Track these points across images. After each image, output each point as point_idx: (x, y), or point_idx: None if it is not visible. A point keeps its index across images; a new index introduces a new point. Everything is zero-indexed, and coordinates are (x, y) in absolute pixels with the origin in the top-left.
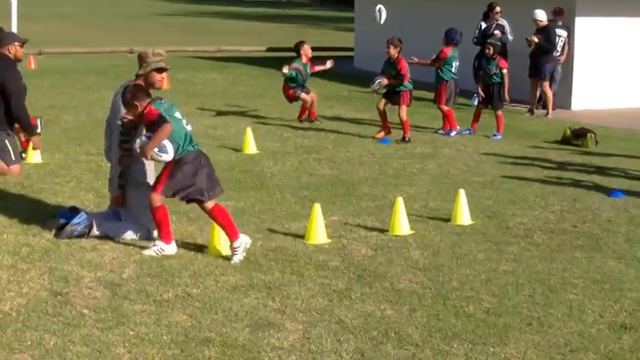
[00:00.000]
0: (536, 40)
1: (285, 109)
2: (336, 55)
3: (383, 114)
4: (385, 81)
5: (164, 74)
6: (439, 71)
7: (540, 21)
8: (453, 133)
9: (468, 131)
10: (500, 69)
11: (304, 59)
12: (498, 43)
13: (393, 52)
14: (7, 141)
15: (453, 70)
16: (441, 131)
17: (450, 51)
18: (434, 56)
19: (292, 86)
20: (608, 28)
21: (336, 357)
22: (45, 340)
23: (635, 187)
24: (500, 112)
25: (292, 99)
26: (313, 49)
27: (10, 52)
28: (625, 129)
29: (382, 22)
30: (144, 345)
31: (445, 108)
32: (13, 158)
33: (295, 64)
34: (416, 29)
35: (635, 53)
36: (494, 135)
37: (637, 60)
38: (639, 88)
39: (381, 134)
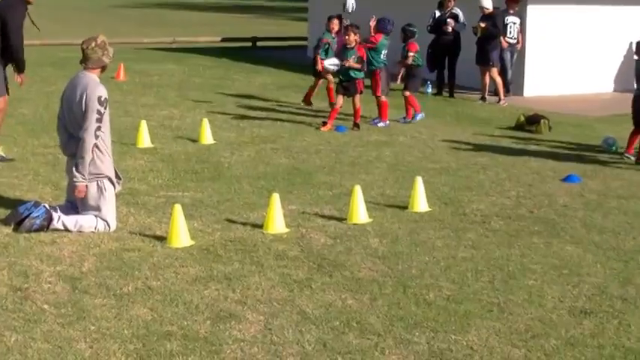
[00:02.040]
0: (482, 25)
1: (241, 99)
2: (289, 45)
3: (338, 109)
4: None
5: None
6: (371, 60)
7: (486, 8)
8: (380, 124)
9: (403, 120)
10: (407, 52)
11: (332, 33)
12: (413, 29)
13: (354, 38)
14: None
15: (382, 57)
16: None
17: (381, 37)
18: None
19: (323, 58)
20: (559, 15)
21: (299, 348)
22: (5, 336)
23: (590, 172)
24: (406, 94)
25: (319, 73)
26: (267, 38)
27: None
28: (577, 115)
29: (351, 10)
30: (105, 340)
31: (383, 98)
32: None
33: (325, 39)
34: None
35: (586, 40)
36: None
37: (588, 47)
38: (590, 74)
39: (328, 126)
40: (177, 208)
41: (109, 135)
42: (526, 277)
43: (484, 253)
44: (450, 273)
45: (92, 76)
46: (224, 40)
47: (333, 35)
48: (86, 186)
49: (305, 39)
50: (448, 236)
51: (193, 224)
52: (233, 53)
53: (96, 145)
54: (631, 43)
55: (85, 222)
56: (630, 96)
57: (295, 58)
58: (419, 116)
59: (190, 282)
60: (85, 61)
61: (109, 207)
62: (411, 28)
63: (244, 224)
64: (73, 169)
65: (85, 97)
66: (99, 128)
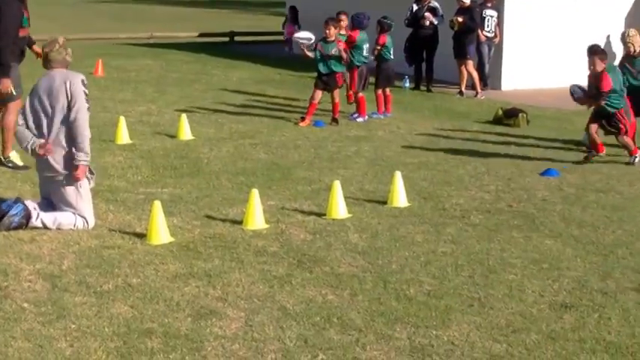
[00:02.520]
0: (460, 20)
1: (219, 95)
2: (267, 40)
3: (316, 104)
4: (318, 46)
5: None
6: (351, 58)
7: (463, 2)
8: (359, 119)
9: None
10: (377, 45)
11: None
12: (389, 22)
13: (334, 31)
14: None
15: (364, 54)
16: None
17: (357, 34)
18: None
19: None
20: (537, 8)
21: (280, 344)
22: None
23: (568, 166)
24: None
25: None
26: (245, 33)
27: None
28: (555, 108)
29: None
30: (86, 338)
31: (360, 95)
32: (15, 94)
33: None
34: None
35: (564, 33)
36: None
37: (566, 40)
38: (568, 67)
39: (306, 122)
40: (157, 205)
41: None
42: (506, 272)
43: (464, 248)
44: (431, 268)
45: (64, 70)
46: (202, 35)
47: (343, 32)
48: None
49: (282, 34)
50: (428, 231)
51: (173, 221)
52: (211, 48)
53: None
54: (608, 36)
55: (64, 219)
56: None
57: (273, 53)
58: (374, 116)
59: (170, 279)
60: (50, 62)
61: (86, 203)
62: (386, 21)
63: (224, 220)
64: (74, 149)
65: (67, 85)
66: (88, 109)
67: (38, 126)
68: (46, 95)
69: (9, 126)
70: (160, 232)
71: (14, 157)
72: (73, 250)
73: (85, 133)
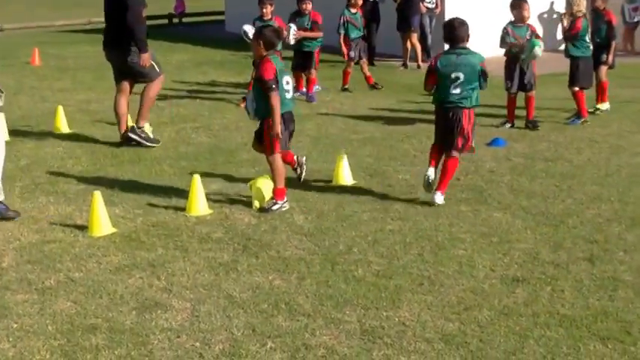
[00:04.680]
0: None
1: None
2: (205, 21)
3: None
4: (301, 33)
5: None
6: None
7: None
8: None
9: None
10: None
11: (353, 9)
12: None
13: (309, 5)
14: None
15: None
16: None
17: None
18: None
19: (348, 35)
20: None
21: (227, 334)
22: None
23: (515, 135)
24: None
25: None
26: (185, 14)
27: None
28: (499, 76)
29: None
30: (29, 338)
31: (313, 75)
32: (158, 70)
33: (346, 16)
34: None
35: (505, 2)
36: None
37: (506, 8)
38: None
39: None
40: (97, 196)
41: None
42: (456, 247)
43: (412, 225)
44: (379, 247)
45: None
46: (167, 17)
47: (354, 11)
48: None
49: (222, 13)
50: (375, 209)
51: (114, 211)
52: (149, 31)
53: None
54: (552, 3)
55: None
56: (555, 55)
57: (212, 34)
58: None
59: (113, 271)
60: None
61: None
62: None
63: (166, 208)
64: None
65: None
66: None
67: None
68: None
69: (151, 98)
70: (102, 223)
71: (147, 129)
72: (14, 247)
73: None
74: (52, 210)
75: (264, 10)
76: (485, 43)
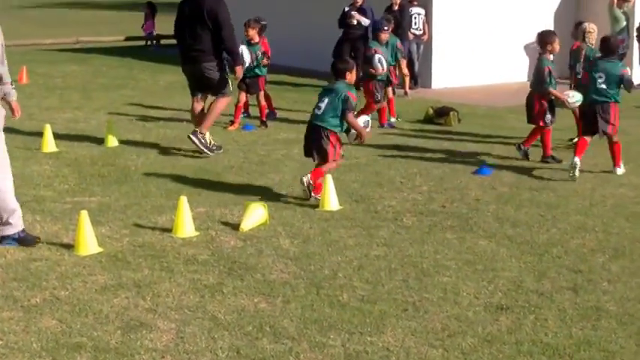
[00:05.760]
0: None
1: (146, 99)
2: None
3: (244, 106)
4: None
5: None
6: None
7: (395, 2)
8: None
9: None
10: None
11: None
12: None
13: (252, 32)
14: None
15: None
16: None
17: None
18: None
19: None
20: (465, 5)
21: (212, 356)
22: None
23: (501, 164)
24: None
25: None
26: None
27: None
28: (486, 106)
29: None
30: (13, 355)
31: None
32: (230, 89)
33: (373, 49)
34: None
35: (493, 30)
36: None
37: (495, 36)
38: (498, 64)
39: (235, 125)
40: (84, 215)
41: None
42: (440, 274)
43: (397, 251)
44: (364, 272)
45: None
46: (128, 39)
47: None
48: None
49: None
50: (360, 234)
51: (101, 230)
52: (137, 52)
53: None
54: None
55: None
56: None
57: None
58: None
59: (99, 291)
60: None
61: None
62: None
63: (153, 229)
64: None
65: None
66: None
67: None
68: None
69: (218, 111)
70: (88, 243)
71: (208, 137)
72: (0, 264)
73: None
74: (38, 228)
75: (248, 33)
76: (473, 71)
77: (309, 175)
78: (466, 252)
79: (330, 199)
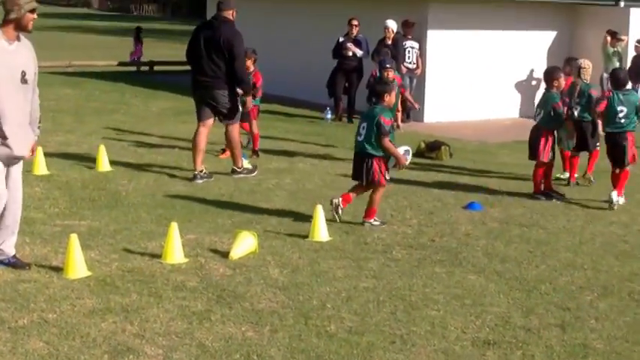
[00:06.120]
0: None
1: (139, 125)
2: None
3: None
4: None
5: (35, 15)
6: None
7: (392, 29)
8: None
9: None
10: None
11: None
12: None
13: (249, 63)
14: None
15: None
16: None
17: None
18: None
19: None
20: (460, 40)
21: None
22: None
23: (491, 200)
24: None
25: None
26: (164, 63)
27: (232, 17)
28: (478, 141)
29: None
30: None
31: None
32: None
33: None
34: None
35: (486, 65)
36: None
37: (488, 72)
38: (490, 100)
39: (227, 154)
40: (74, 238)
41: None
42: (428, 308)
43: (386, 283)
44: (352, 304)
45: None
46: (121, 64)
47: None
48: None
49: None
50: (349, 266)
51: (90, 254)
52: (130, 77)
53: None
54: (532, 70)
55: None
56: (529, 122)
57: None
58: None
59: (87, 314)
60: None
61: None
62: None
63: (142, 254)
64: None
65: None
66: None
67: None
68: None
69: (237, 140)
70: (77, 266)
71: (246, 164)
72: None
73: None
74: (27, 250)
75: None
76: (465, 106)
77: (340, 199)
78: (455, 286)
79: (320, 230)
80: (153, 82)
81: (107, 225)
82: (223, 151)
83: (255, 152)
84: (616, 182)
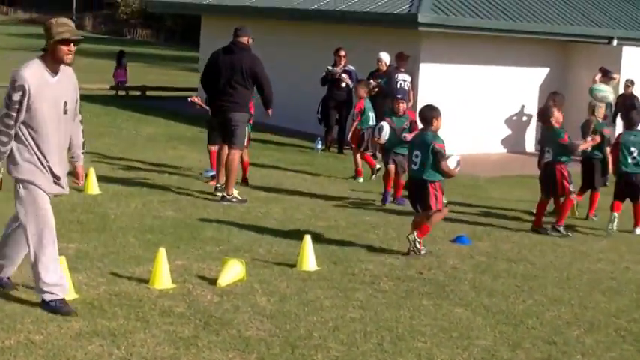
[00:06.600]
0: (373, 83)
1: (129, 149)
2: (179, 95)
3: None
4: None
5: (72, 46)
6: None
7: (385, 62)
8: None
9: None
10: None
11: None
12: None
13: None
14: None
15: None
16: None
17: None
18: None
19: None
20: (451, 74)
21: None
22: None
23: (480, 234)
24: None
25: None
26: (157, 88)
27: (248, 43)
28: (468, 175)
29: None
30: None
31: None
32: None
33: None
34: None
35: (477, 100)
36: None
37: (478, 107)
38: (480, 135)
39: (213, 183)
40: (62, 261)
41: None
42: (415, 339)
43: (373, 314)
44: (339, 334)
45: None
46: (113, 87)
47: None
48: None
49: (195, 89)
50: (337, 296)
51: (78, 277)
52: (122, 102)
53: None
54: (523, 106)
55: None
56: (519, 157)
57: (185, 110)
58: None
59: (74, 337)
60: None
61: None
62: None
63: (130, 278)
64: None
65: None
66: (7, 115)
67: None
68: None
69: (236, 167)
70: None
71: (236, 193)
72: None
73: None
74: (15, 271)
75: None
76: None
77: (415, 233)
78: (442, 319)
79: (308, 260)
80: (145, 107)
81: (95, 248)
82: (213, 178)
83: (244, 180)
84: (637, 217)
